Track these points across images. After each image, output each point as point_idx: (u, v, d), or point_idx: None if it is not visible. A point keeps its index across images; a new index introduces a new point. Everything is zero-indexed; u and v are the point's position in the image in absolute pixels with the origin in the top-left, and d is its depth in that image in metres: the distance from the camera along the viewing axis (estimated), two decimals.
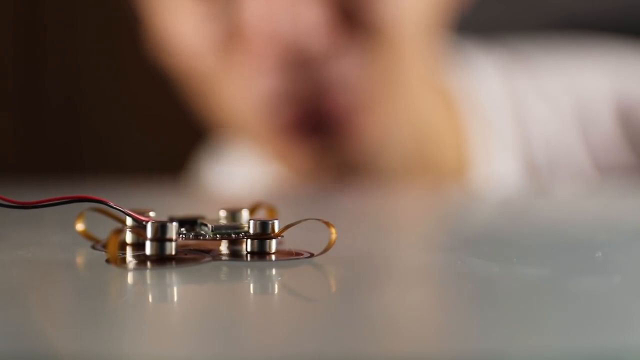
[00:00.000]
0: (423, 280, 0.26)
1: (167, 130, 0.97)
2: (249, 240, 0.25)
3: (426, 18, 0.62)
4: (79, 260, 0.27)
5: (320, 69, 0.58)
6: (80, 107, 1.06)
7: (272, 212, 0.29)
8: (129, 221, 0.26)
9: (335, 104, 0.59)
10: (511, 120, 0.67)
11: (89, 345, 0.18)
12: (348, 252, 0.28)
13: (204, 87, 0.63)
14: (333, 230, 0.25)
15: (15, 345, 0.18)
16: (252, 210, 0.28)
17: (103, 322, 0.20)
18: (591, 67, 0.70)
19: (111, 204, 0.25)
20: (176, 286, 0.23)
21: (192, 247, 0.26)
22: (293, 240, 0.27)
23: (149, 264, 0.24)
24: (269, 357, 0.18)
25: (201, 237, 0.26)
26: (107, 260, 0.24)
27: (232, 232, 0.26)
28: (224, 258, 0.25)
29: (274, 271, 0.25)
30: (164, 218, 0.26)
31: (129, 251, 0.26)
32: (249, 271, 0.25)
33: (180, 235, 0.25)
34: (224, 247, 0.26)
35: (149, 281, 0.23)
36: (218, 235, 0.25)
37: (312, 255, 0.26)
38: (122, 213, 0.25)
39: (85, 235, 0.27)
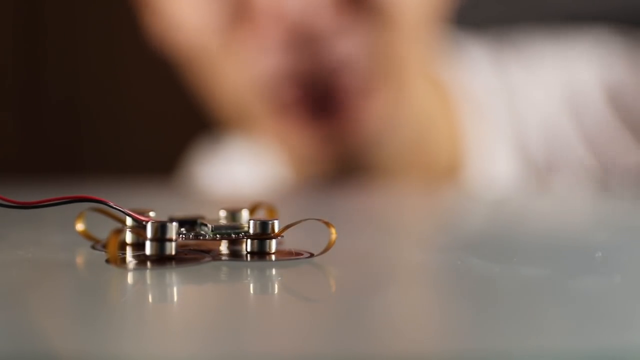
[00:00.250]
0: (423, 280, 0.26)
1: (168, 130, 0.97)
2: (249, 240, 0.25)
3: (426, 6, 0.62)
4: (79, 260, 0.27)
5: (324, 48, 0.58)
6: (81, 107, 1.06)
7: (272, 212, 0.29)
8: (128, 221, 0.26)
9: (338, 85, 0.59)
10: (506, 111, 0.67)
11: (89, 345, 0.18)
12: (348, 252, 0.28)
13: (207, 68, 0.63)
14: (333, 230, 0.25)
15: (15, 345, 0.18)
16: (252, 210, 0.28)
17: (103, 322, 0.20)
18: (581, 55, 0.70)
19: (111, 204, 0.25)
20: (176, 286, 0.23)
21: (192, 247, 0.26)
22: (293, 240, 0.27)
23: (149, 264, 0.24)
24: (269, 357, 0.18)
25: (201, 237, 0.26)
26: (107, 260, 0.24)
27: (232, 232, 0.26)
28: (224, 258, 0.25)
29: (274, 271, 0.25)
30: (163, 218, 0.26)
31: (129, 251, 0.26)
32: (249, 271, 0.25)
33: (180, 235, 0.25)
34: (224, 247, 0.26)
35: (149, 281, 0.23)
36: (218, 235, 0.25)
37: (312, 255, 0.26)
38: (122, 213, 0.25)
39: (85, 235, 0.27)
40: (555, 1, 0.82)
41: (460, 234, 0.38)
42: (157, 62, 0.75)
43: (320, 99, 0.59)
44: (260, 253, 0.25)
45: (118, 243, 0.24)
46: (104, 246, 0.27)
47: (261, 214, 0.29)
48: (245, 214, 0.27)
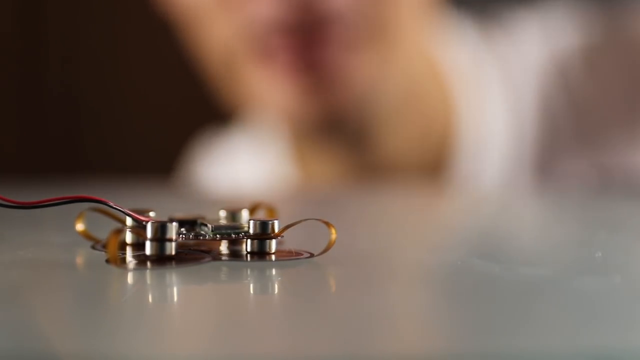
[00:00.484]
0: (423, 280, 0.26)
1: (169, 129, 0.97)
2: (249, 240, 0.25)
3: None
4: (79, 260, 0.27)
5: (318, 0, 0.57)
6: (81, 107, 1.06)
7: (272, 212, 0.29)
8: (128, 221, 0.26)
9: (327, 37, 0.58)
10: (499, 82, 0.67)
11: (89, 345, 0.18)
12: (348, 252, 0.28)
13: (198, 22, 0.62)
14: (333, 231, 0.25)
15: (15, 345, 0.18)
16: (252, 210, 0.28)
17: (103, 322, 0.20)
18: (562, 20, 0.69)
19: (111, 204, 0.25)
20: (176, 286, 0.23)
21: (192, 247, 0.26)
22: (293, 240, 0.27)
23: (149, 264, 0.24)
24: (269, 357, 0.18)
25: (201, 237, 0.26)
26: (107, 260, 0.24)
27: (232, 232, 0.26)
28: (224, 258, 0.25)
29: (274, 271, 0.25)
30: (163, 218, 0.26)
31: (129, 251, 0.26)
32: (249, 271, 0.25)
33: (180, 235, 0.25)
34: (224, 247, 0.26)
35: (149, 281, 0.23)
36: (218, 235, 0.25)
37: (312, 255, 0.26)
38: (122, 213, 0.25)
39: (85, 235, 0.27)
40: None
41: (460, 234, 0.38)
42: (159, 62, 0.75)
43: (307, 48, 0.58)
44: (260, 253, 0.25)
45: (118, 243, 0.24)
46: (104, 246, 0.27)
47: (261, 214, 0.29)
48: (245, 214, 0.27)
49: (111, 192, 0.32)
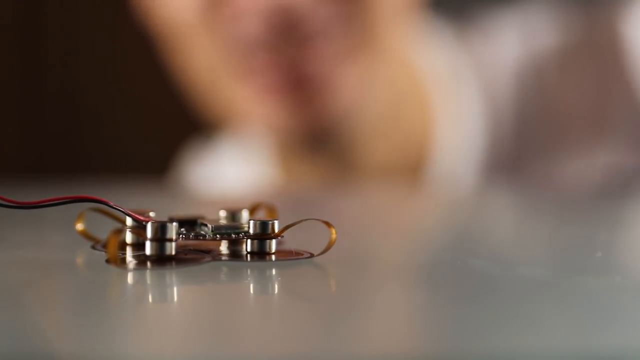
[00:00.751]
0: (423, 280, 0.26)
1: (167, 130, 0.97)
2: (249, 241, 0.25)
3: None
4: (79, 260, 0.27)
5: (302, 16, 0.58)
6: (80, 107, 1.06)
7: (272, 212, 0.29)
8: (128, 221, 0.26)
9: (312, 53, 0.58)
10: (477, 88, 0.67)
11: (89, 345, 0.18)
12: (348, 252, 0.28)
13: (184, 40, 0.62)
14: (333, 231, 0.25)
15: (15, 345, 0.18)
16: (252, 211, 0.28)
17: (103, 322, 0.20)
18: (539, 21, 0.69)
19: (111, 204, 0.25)
20: (176, 286, 0.23)
21: (192, 247, 0.26)
22: (293, 240, 0.27)
23: (148, 264, 0.24)
24: (269, 357, 0.18)
25: (201, 237, 0.26)
26: (107, 260, 0.24)
27: (232, 232, 0.25)
28: (224, 258, 0.25)
29: (274, 271, 0.25)
30: (163, 218, 0.26)
31: (129, 251, 0.26)
32: (249, 271, 0.25)
33: (180, 235, 0.25)
34: (224, 247, 0.26)
35: (149, 281, 0.23)
36: (218, 235, 0.25)
37: (312, 255, 0.26)
38: (122, 213, 0.25)
39: (85, 235, 0.27)
40: None
41: (459, 233, 0.38)
42: (159, 64, 0.75)
43: (292, 66, 0.58)
44: (260, 253, 0.25)
45: (118, 243, 0.24)
46: (104, 246, 0.27)
47: (261, 214, 0.29)
48: (245, 214, 0.27)
49: (111, 192, 0.32)
